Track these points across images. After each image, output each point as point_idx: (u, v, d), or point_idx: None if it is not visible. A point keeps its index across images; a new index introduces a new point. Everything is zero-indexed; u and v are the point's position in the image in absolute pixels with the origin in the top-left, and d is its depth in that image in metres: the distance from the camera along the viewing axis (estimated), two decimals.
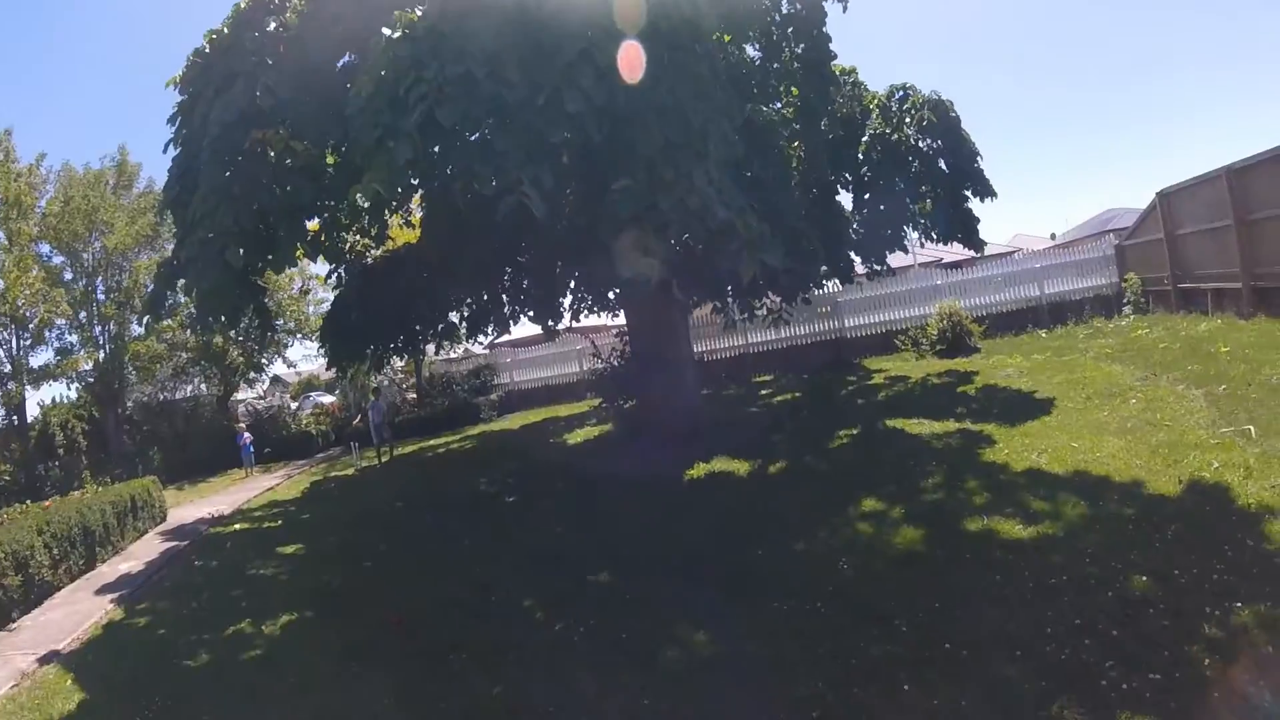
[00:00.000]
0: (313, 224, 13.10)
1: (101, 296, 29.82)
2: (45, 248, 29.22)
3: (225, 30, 11.61)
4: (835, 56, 15.65)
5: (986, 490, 9.50)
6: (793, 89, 16.60)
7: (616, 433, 18.24)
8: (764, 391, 20.79)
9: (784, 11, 15.22)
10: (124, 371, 30.36)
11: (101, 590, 12.46)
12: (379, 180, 8.23)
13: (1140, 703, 5.09)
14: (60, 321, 29.31)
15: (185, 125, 11.90)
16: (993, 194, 19.34)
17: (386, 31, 8.86)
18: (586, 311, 19.51)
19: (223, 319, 11.70)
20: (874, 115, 20.02)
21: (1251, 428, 9.42)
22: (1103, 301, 22.80)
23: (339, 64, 11.74)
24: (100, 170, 30.34)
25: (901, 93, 20.03)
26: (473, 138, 9.34)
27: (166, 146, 12.08)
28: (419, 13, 9.00)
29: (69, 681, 8.89)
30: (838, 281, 21.34)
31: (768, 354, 25.36)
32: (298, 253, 12.29)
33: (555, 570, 9.99)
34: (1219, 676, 5.17)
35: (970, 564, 7.62)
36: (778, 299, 17.77)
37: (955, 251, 29.45)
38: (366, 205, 10.12)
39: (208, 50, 11.70)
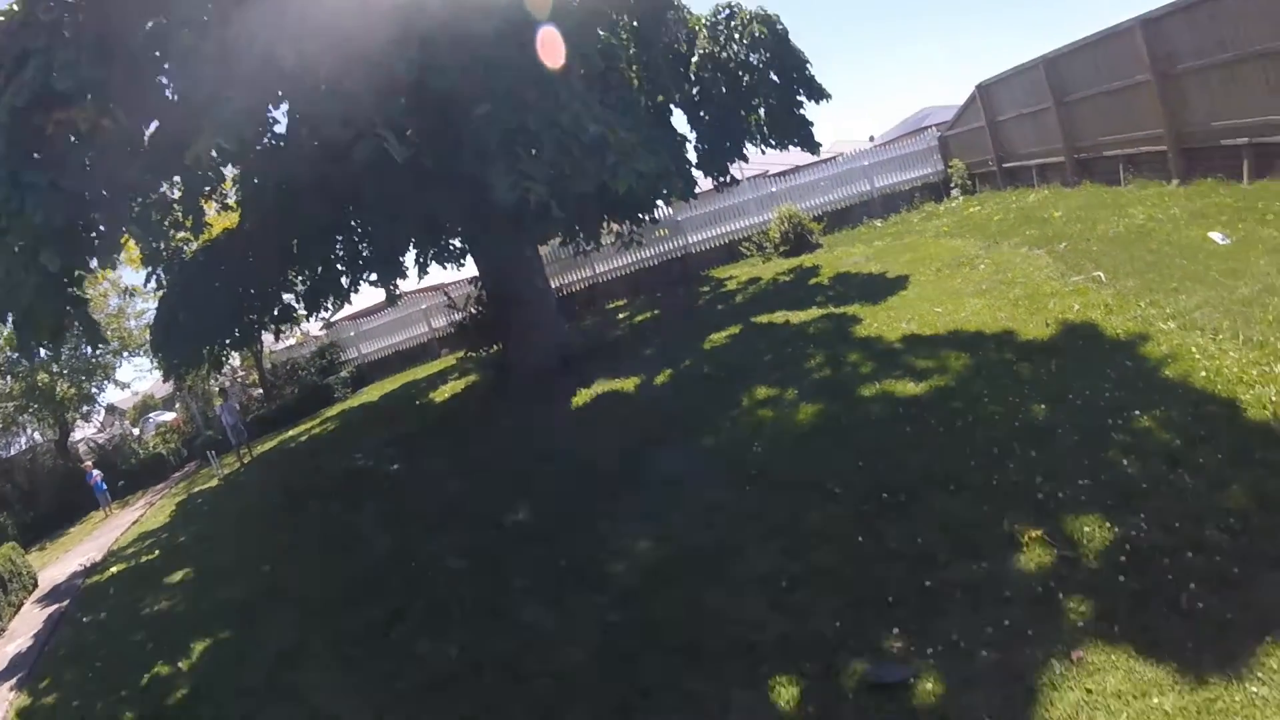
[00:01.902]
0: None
1: None
2: None
3: (14, 7, 9.80)
4: None
5: (870, 360, 9.70)
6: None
7: (485, 380, 17.41)
8: (622, 315, 20.42)
9: None
10: None
11: None
12: (224, 135, 7.20)
13: (1079, 506, 5.40)
14: None
15: None
16: (826, 95, 19.40)
17: None
18: (434, 263, 18.39)
19: (47, 340, 10.22)
20: (700, 35, 19.72)
21: (1100, 274, 9.86)
22: (931, 189, 23.59)
23: (146, 27, 10.17)
24: None
25: (727, 10, 19.76)
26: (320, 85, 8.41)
27: None
28: None
29: None
30: (671, 203, 21.13)
31: (617, 280, 24.86)
32: (123, 241, 10.73)
33: (468, 522, 9.54)
34: (1141, 473, 5.52)
35: (877, 423, 7.82)
36: (624, 224, 17.39)
37: (782, 161, 29.79)
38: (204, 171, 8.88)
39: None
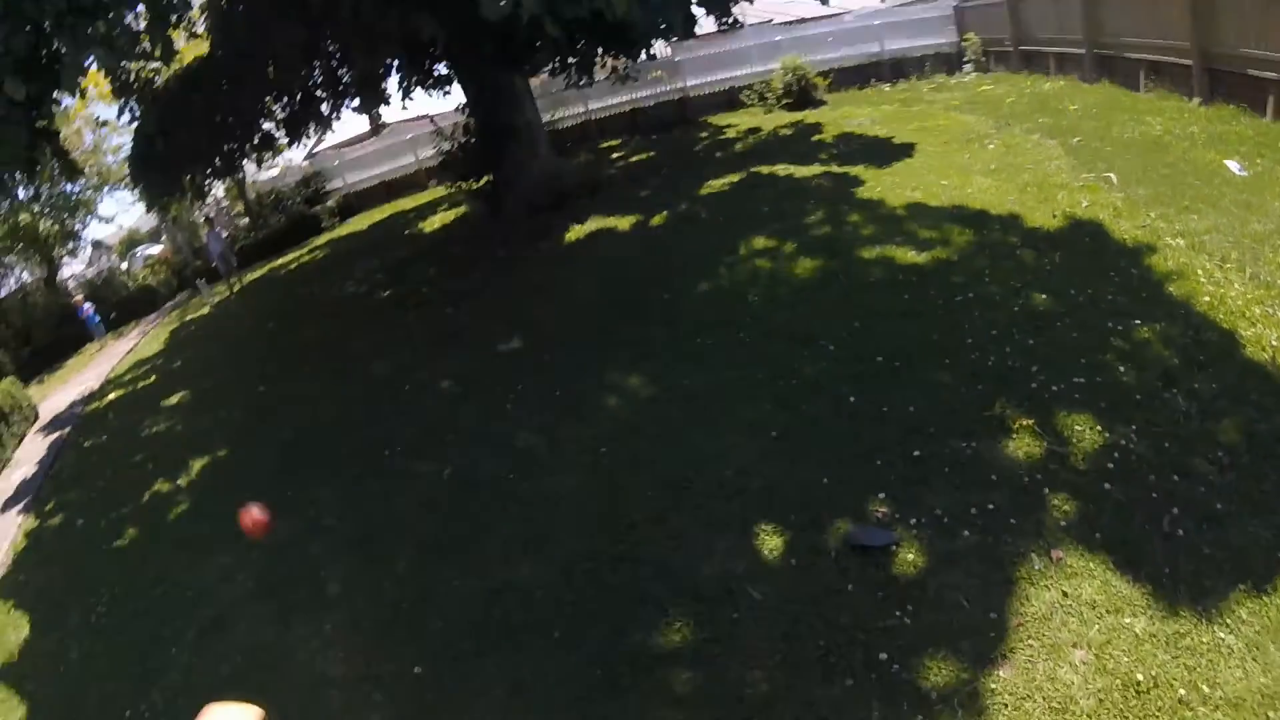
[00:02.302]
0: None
1: None
2: None
3: None
4: None
5: (871, 223, 9.39)
6: None
7: (475, 213, 16.92)
8: (616, 155, 19.63)
9: None
10: None
11: (5, 507, 11.13)
12: None
13: (1072, 404, 5.32)
14: None
15: None
16: None
17: None
18: (419, 90, 17.57)
19: (19, 170, 9.81)
20: None
21: (1112, 175, 9.39)
22: (944, 60, 21.93)
23: None
24: None
25: None
26: None
27: None
28: None
29: (10, 609, 7.88)
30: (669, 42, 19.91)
31: (612, 119, 23.54)
32: (90, 71, 10.16)
33: (462, 349, 9.53)
34: (1137, 384, 5.42)
35: (875, 287, 7.68)
36: (620, 58, 16.41)
37: (789, 11, 27.89)
38: None
39: None
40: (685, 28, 16.07)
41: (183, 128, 14.86)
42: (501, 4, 8.76)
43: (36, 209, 26.03)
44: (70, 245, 29.96)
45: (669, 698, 4.09)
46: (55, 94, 9.81)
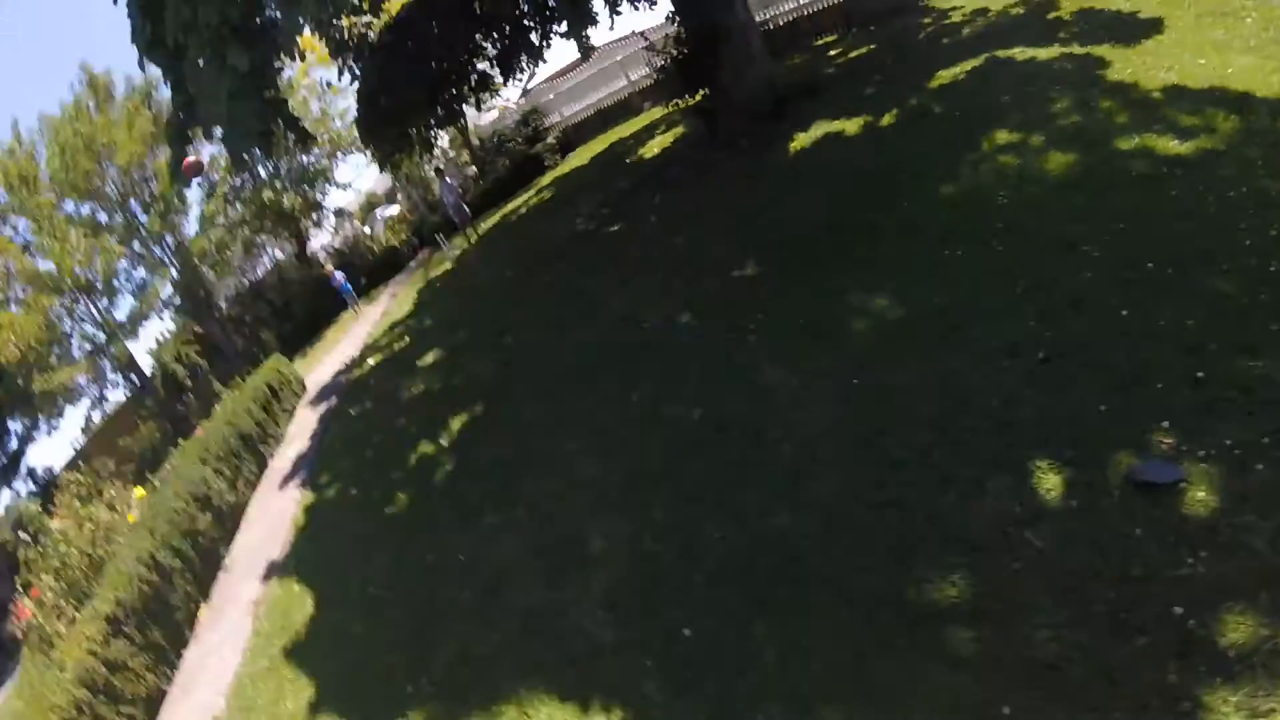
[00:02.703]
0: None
1: (143, 217, 28.88)
2: (69, 205, 28.23)
3: None
4: None
5: (1125, 109, 8.32)
6: None
7: (694, 131, 16.73)
8: (833, 52, 18.40)
9: None
10: (201, 276, 30.34)
11: (283, 484, 12.60)
12: None
13: None
14: (121, 264, 29.13)
15: None
16: None
17: None
18: (625, 4, 17.48)
19: (256, 145, 10.76)
20: None
21: None
22: None
23: None
24: (76, 98, 28.14)
25: None
26: None
27: None
28: None
29: (296, 587, 9.00)
30: None
31: (824, 12, 21.74)
32: (302, 31, 10.90)
33: (696, 279, 9.51)
34: None
35: (1137, 183, 6.81)
36: None
37: None
38: None
39: None
40: None
41: (401, 80, 15.76)
42: None
43: (278, 184, 28.54)
44: (314, 216, 32.84)
45: (950, 659, 3.96)
46: (276, 61, 10.56)
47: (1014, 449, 4.79)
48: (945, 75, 11.90)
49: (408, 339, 15.83)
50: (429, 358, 13.24)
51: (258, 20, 9.47)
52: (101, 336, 29.21)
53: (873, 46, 16.62)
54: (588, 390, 8.45)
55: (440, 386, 11.68)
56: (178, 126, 11.20)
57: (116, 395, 31.21)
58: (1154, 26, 11.08)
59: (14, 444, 35.05)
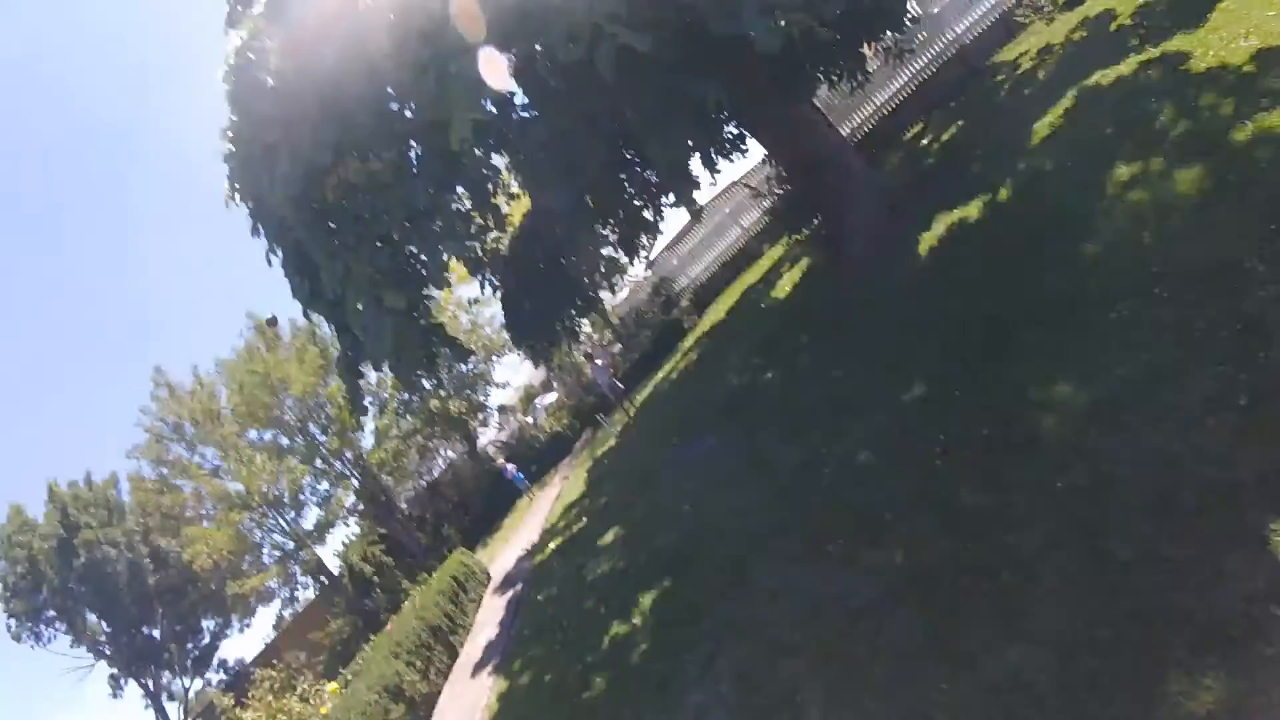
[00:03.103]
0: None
1: (322, 437, 31.53)
2: (252, 433, 31.32)
3: (234, 118, 11.15)
4: None
5: (1226, 96, 7.94)
6: None
7: (818, 259, 16.77)
8: (924, 141, 18.37)
9: None
10: (381, 483, 32.16)
11: (475, 672, 12.65)
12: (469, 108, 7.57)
13: None
14: (305, 480, 31.45)
15: (266, 226, 11.63)
16: None
17: None
18: (720, 160, 18.10)
19: (421, 371, 11.51)
20: None
21: None
22: None
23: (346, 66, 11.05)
24: (247, 343, 32.07)
25: None
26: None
27: (268, 258, 11.85)
28: None
29: None
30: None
31: (901, 106, 22.16)
32: (447, 265, 11.79)
33: (863, 413, 9.02)
34: None
35: (1272, 172, 6.41)
36: (885, 37, 15.71)
37: None
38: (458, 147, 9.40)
39: (233, 149, 11.30)
40: None
41: (537, 283, 16.65)
42: (773, 33, 8.66)
43: (443, 393, 30.32)
44: (480, 416, 34.56)
45: None
46: (426, 291, 11.36)
47: (1244, 517, 4.28)
48: (1042, 127, 11.58)
49: (585, 519, 15.92)
50: (609, 536, 13.20)
51: (403, 260, 10.25)
52: (290, 544, 31.90)
53: (960, 123, 16.51)
54: (777, 550, 8.09)
55: (625, 564, 11.53)
56: (347, 363, 12.17)
57: (306, 594, 33.49)
58: None
59: (206, 639, 37.81)
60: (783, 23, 8.79)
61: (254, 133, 10.47)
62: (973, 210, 11.27)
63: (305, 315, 12.25)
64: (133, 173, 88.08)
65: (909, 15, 15.52)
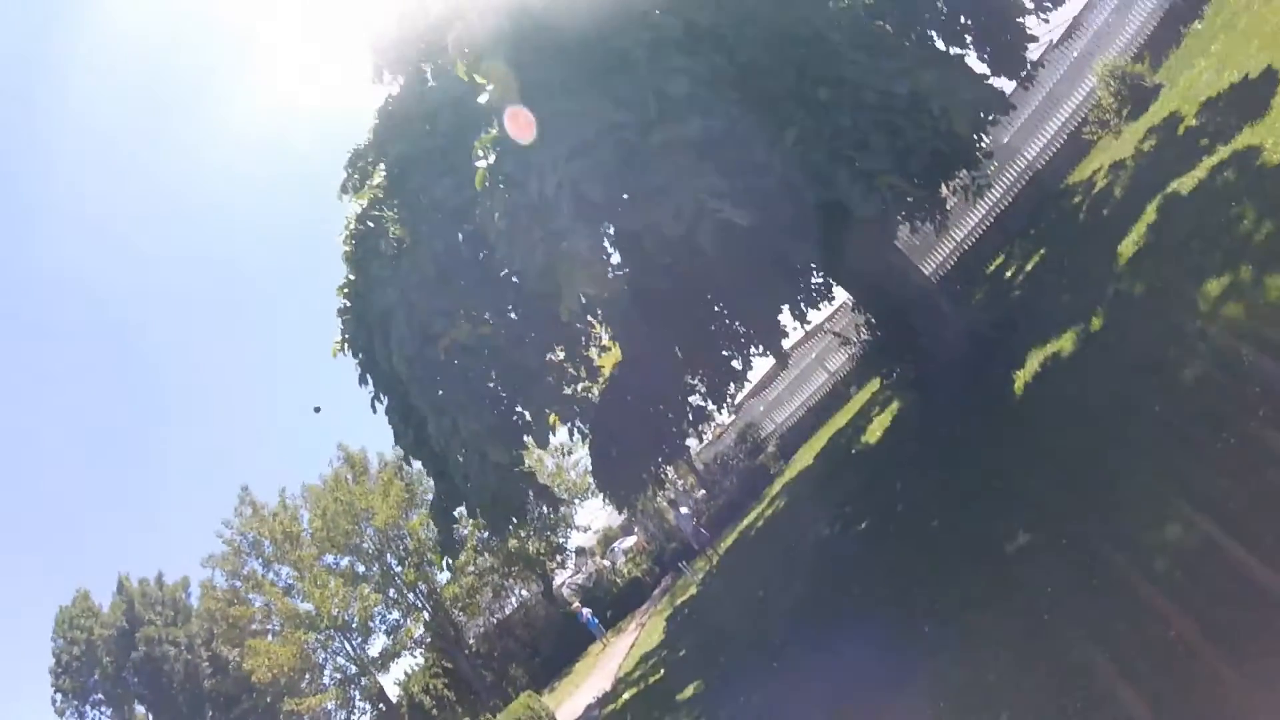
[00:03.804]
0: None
1: (398, 568, 32.10)
2: (329, 558, 32.19)
3: (352, 277, 12.11)
4: None
5: None
6: None
7: (908, 402, 16.76)
8: (1008, 272, 18.53)
9: None
10: (451, 617, 32.43)
11: None
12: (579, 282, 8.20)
13: None
14: (377, 608, 32.09)
15: (375, 376, 12.42)
16: None
17: (481, 163, 8.99)
18: (806, 307, 18.61)
19: (513, 519, 12.00)
20: None
21: None
22: None
23: (461, 237, 11.93)
24: (335, 472, 33.38)
25: None
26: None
27: (373, 405, 12.64)
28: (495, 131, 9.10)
29: None
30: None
31: (981, 238, 22.41)
32: (551, 420, 12.40)
33: (963, 567, 8.77)
34: None
35: None
36: (960, 174, 16.10)
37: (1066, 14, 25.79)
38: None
39: (348, 305, 12.23)
40: (999, 103, 15.34)
41: (626, 431, 17.12)
42: (869, 198, 9.16)
43: (523, 533, 30.78)
44: (558, 558, 34.80)
45: None
46: (524, 441, 11.95)
47: None
48: (1127, 247, 11.48)
49: (662, 671, 15.76)
50: (689, 690, 13.03)
51: (510, 420, 10.94)
52: (353, 669, 32.17)
53: (1042, 251, 16.53)
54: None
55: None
56: (443, 508, 12.76)
57: None
58: (1266, 80, 10.77)
59: None
60: (879, 186, 9.30)
61: (370, 293, 11.39)
62: (1066, 343, 11.04)
63: (406, 461, 12.97)
64: (257, 307, 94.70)
65: (983, 150, 15.91)
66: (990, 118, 12.31)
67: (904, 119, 9.34)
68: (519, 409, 11.21)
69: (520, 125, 8.53)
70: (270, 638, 33.80)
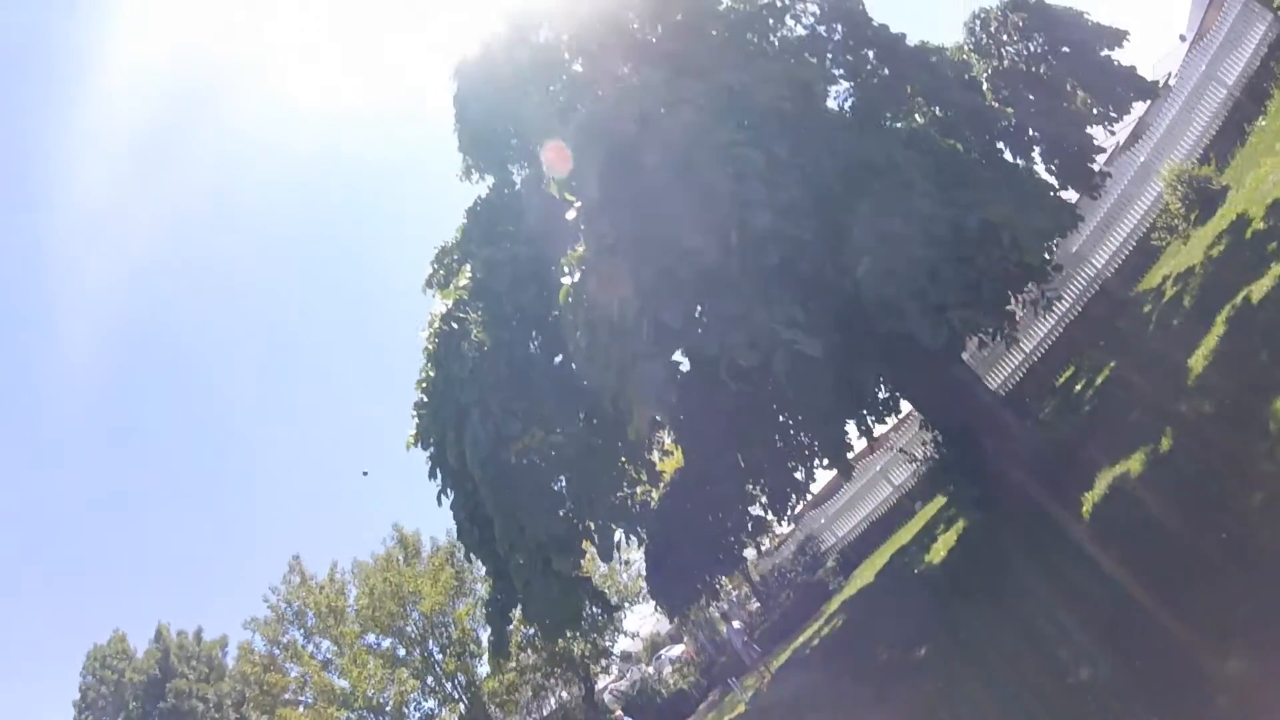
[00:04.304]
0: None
1: (439, 656, 32.15)
2: (371, 637, 32.35)
3: (431, 374, 12.63)
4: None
5: None
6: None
7: (975, 523, 16.47)
8: (1077, 385, 18.35)
9: None
10: (487, 711, 32.19)
11: None
12: (652, 407, 8.57)
13: None
14: (413, 694, 32.10)
15: (446, 470, 12.84)
16: (1122, 36, 18.30)
17: (566, 280, 9.47)
18: (874, 425, 18.70)
19: (566, 625, 12.19)
20: (972, 61, 19.27)
21: None
22: None
23: (533, 347, 12.46)
24: (387, 551, 33.68)
25: (979, 19, 19.32)
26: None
27: (439, 498, 13.05)
28: (580, 250, 9.57)
29: None
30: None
31: (1051, 351, 22.44)
32: (615, 535, 12.76)
33: (1038, 699, 8.45)
34: None
35: None
36: (1029, 290, 16.20)
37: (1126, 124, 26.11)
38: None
39: (425, 400, 12.72)
40: (1072, 218, 15.55)
41: (683, 539, 17.27)
42: (936, 332, 9.41)
43: (569, 633, 30.63)
44: (602, 661, 34.43)
45: None
46: (582, 549, 12.27)
47: None
48: (1198, 360, 11.40)
49: None
50: None
51: (576, 531, 11.31)
52: None
53: (1112, 364, 16.38)
54: None
55: None
56: (499, 609, 13.01)
57: None
58: None
59: None
60: (947, 321, 9.58)
61: (448, 392, 11.88)
62: (1135, 464, 10.94)
63: (467, 558, 13.26)
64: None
65: (1052, 265, 16.04)
66: (1057, 241, 12.54)
67: (975, 249, 9.71)
68: (584, 521, 11.54)
69: (605, 245, 9.05)
70: (301, 709, 33.82)
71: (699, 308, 9.23)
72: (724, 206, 8.80)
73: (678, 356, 12.86)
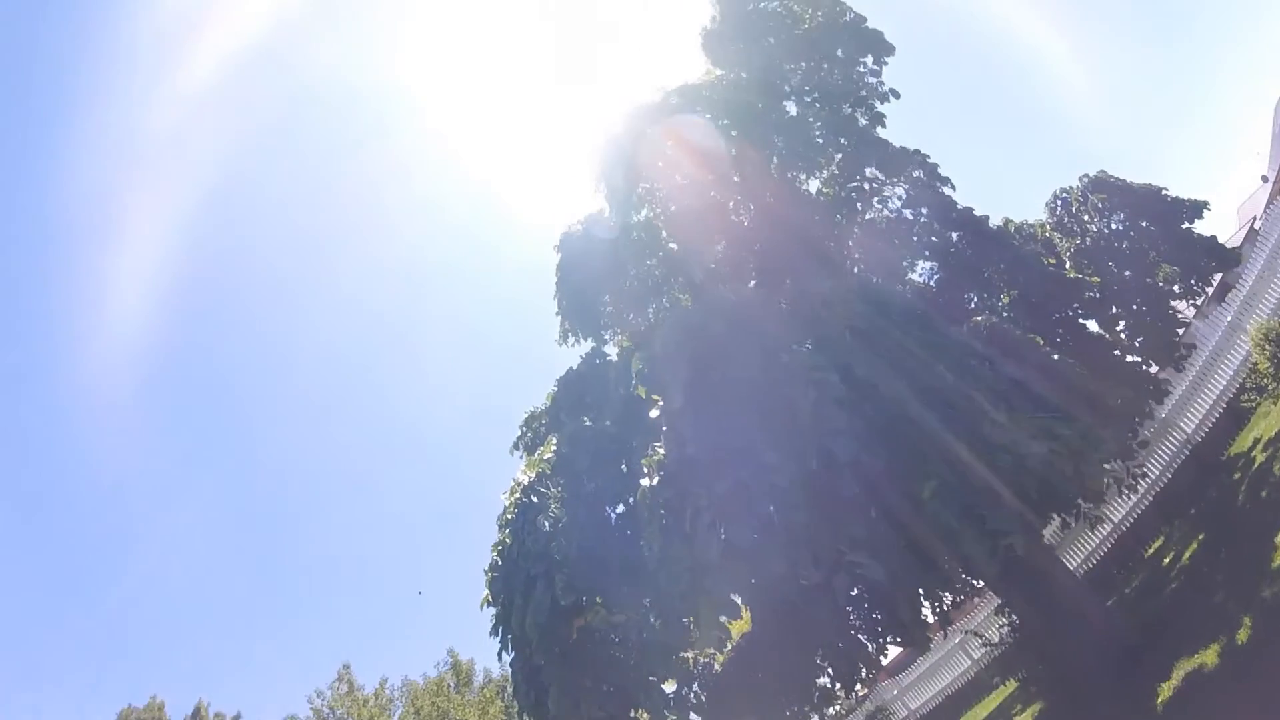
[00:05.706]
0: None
1: None
2: None
3: (507, 540, 13.64)
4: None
5: None
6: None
7: (1052, 702, 16.65)
8: (1165, 558, 18.32)
9: None
10: None
11: None
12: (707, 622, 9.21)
13: None
14: None
15: (509, 631, 13.68)
16: (1202, 208, 19.39)
17: (645, 482, 10.31)
18: (950, 607, 18.92)
19: None
20: (1056, 240, 20.33)
21: None
22: None
23: (612, 518, 13.34)
24: (439, 676, 34.43)
25: (1061, 199, 20.40)
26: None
27: (500, 655, 13.94)
28: (660, 453, 10.45)
29: None
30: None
31: (1140, 520, 21.93)
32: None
33: None
34: None
35: None
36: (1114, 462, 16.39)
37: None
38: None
39: (500, 563, 13.67)
40: (1155, 393, 15.75)
41: (746, 708, 17.49)
42: (991, 558, 10.01)
43: None
44: None
45: None
46: None
47: None
48: None
49: None
50: None
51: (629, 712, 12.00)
52: None
53: (1201, 536, 16.38)
54: None
55: None
56: None
57: None
58: None
59: None
60: (998, 550, 10.21)
61: (521, 560, 12.83)
62: (1210, 657, 11.13)
63: (519, 717, 13.92)
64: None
65: (1135, 441, 16.30)
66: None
67: (1035, 480, 10.31)
68: (638, 707, 12.16)
69: (685, 454, 9.99)
70: None
71: (768, 524, 9.95)
72: (804, 426, 9.63)
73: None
